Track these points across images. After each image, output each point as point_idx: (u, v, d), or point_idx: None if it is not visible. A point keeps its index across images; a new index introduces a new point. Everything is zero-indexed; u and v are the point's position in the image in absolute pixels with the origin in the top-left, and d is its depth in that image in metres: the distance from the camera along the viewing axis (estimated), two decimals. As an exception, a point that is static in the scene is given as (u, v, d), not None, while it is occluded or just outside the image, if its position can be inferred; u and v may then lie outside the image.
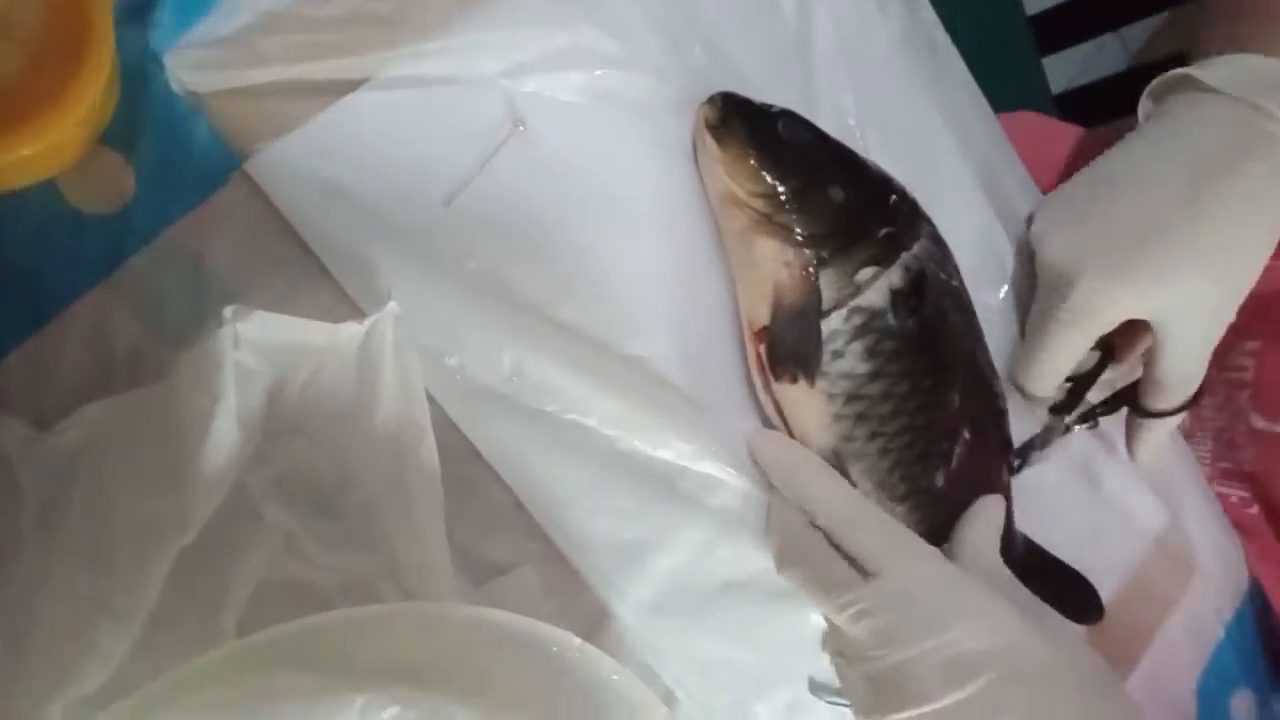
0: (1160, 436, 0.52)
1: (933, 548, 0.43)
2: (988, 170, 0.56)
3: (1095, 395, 0.53)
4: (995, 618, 0.40)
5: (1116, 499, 0.59)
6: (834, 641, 0.44)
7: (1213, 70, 0.47)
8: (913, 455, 0.44)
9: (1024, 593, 0.44)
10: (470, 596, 0.41)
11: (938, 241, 0.45)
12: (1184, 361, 0.47)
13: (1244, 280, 0.46)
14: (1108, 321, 0.46)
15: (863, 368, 0.42)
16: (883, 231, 0.43)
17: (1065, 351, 0.47)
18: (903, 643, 0.39)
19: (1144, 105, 0.51)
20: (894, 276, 0.42)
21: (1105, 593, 0.57)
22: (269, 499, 0.38)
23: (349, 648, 0.35)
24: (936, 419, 0.44)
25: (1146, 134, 0.48)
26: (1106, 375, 0.52)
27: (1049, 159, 0.69)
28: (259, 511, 0.38)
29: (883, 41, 0.51)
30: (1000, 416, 0.48)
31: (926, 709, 0.39)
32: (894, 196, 0.44)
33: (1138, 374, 0.52)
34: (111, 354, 0.38)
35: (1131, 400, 0.51)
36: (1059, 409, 0.51)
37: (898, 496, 0.45)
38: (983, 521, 0.46)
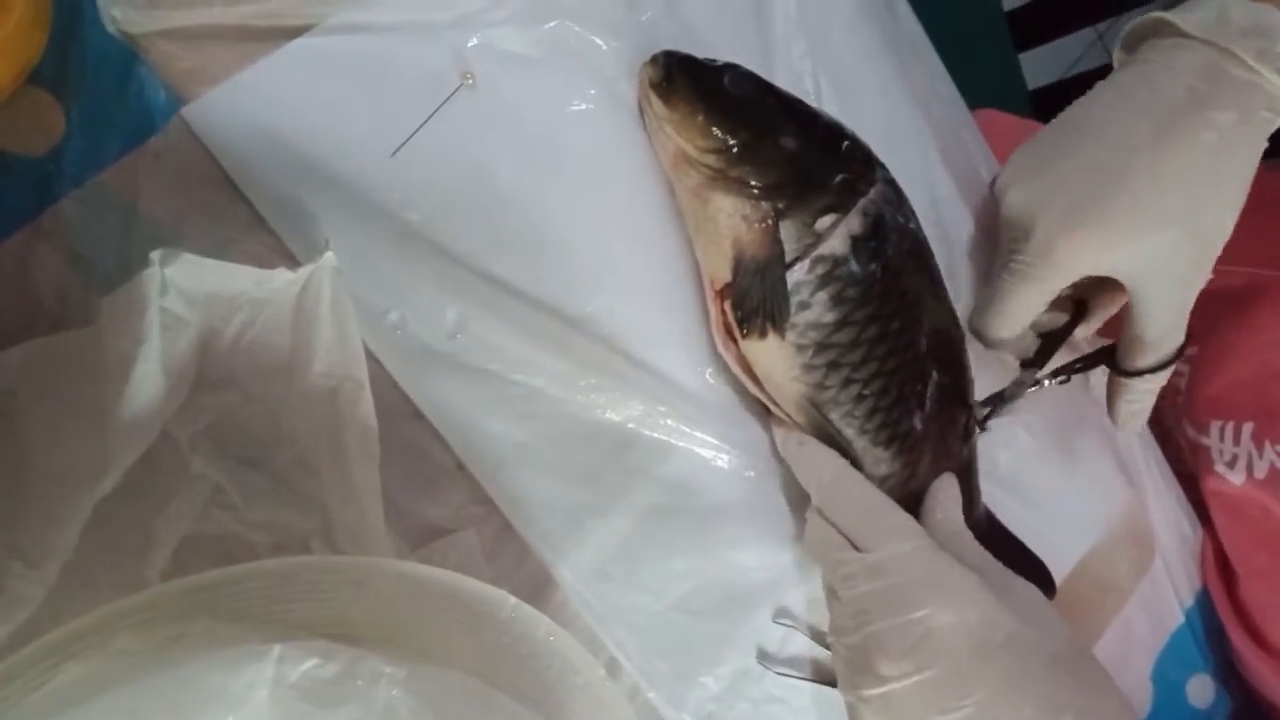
0: (1141, 397, 0.49)
1: (914, 523, 0.42)
2: (947, 134, 0.55)
3: (1070, 353, 0.51)
4: (967, 593, 0.39)
5: (1084, 477, 0.59)
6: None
7: (1187, 15, 0.44)
8: (889, 400, 0.43)
9: (995, 564, 0.43)
10: (407, 558, 0.40)
11: (892, 185, 0.44)
12: (1158, 319, 0.45)
13: (1214, 234, 0.44)
14: (1065, 274, 0.44)
15: (830, 316, 0.42)
16: (838, 178, 0.42)
17: (1021, 303, 0.45)
18: (874, 617, 0.39)
19: (1118, 55, 0.49)
20: (853, 223, 0.42)
21: (1066, 570, 0.57)
22: (197, 451, 0.37)
23: (275, 600, 0.34)
24: (906, 361, 0.44)
25: (1114, 82, 0.46)
26: (1081, 332, 0.51)
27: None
28: (187, 463, 0.37)
29: (842, 4, 0.50)
30: (964, 356, 0.47)
31: (895, 686, 0.38)
32: (846, 142, 0.43)
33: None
34: (37, 299, 0.37)
35: (1110, 359, 0.50)
36: (1029, 363, 0.49)
37: (881, 442, 0.44)
38: (943, 496, 0.46)
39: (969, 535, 0.44)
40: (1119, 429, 0.52)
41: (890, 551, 0.40)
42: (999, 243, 0.48)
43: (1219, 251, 0.44)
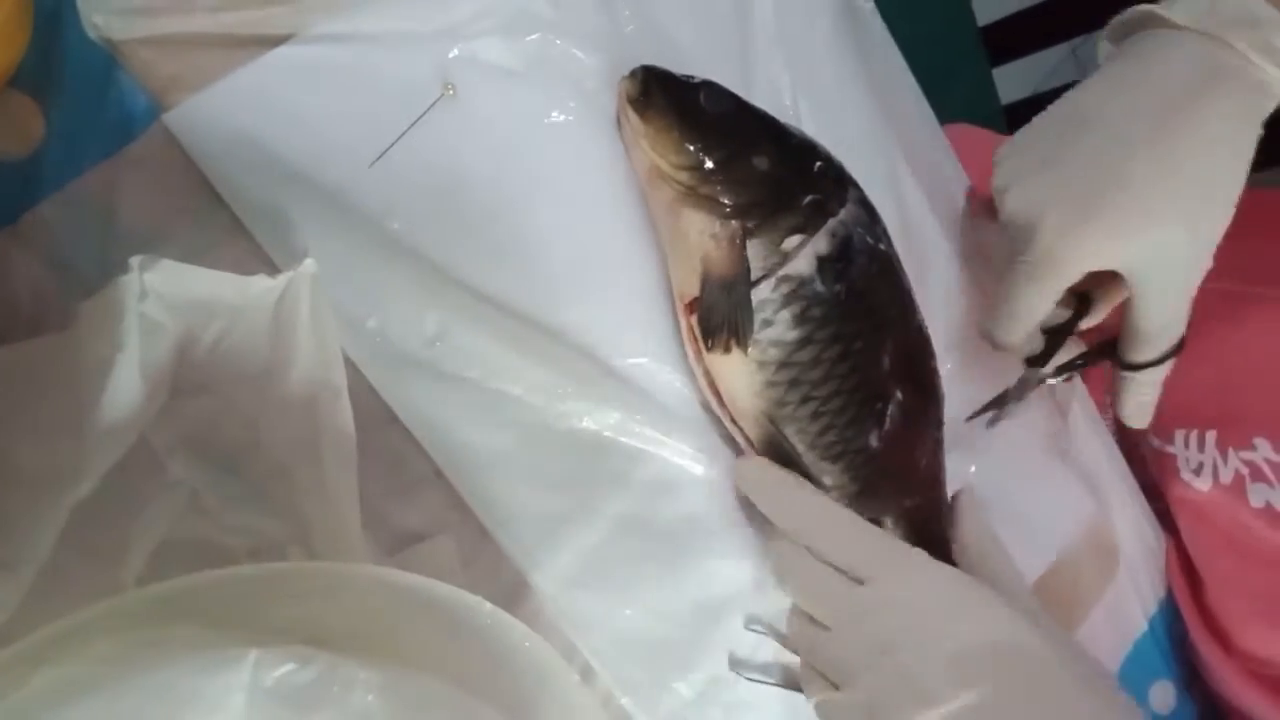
0: (1146, 390, 0.49)
1: (918, 549, 0.42)
2: (919, 151, 0.56)
3: (1076, 348, 0.51)
4: (996, 615, 0.39)
5: (1046, 488, 0.60)
6: (812, 680, 0.42)
7: (1175, 6, 0.44)
8: (845, 418, 0.44)
9: (1020, 584, 0.43)
10: (383, 563, 0.41)
11: (865, 205, 0.45)
12: (1160, 311, 0.45)
13: (1215, 224, 0.44)
14: (1071, 273, 0.44)
15: (792, 335, 0.42)
16: (808, 199, 0.43)
17: (1030, 303, 0.45)
18: (900, 649, 0.38)
19: (1103, 48, 0.49)
20: (820, 243, 0.42)
21: (1031, 579, 0.58)
22: (174, 456, 0.38)
23: (252, 605, 0.34)
24: (867, 381, 0.44)
25: (1107, 75, 0.46)
26: (1086, 325, 0.51)
27: (986, 172, 0.70)
28: (163, 468, 0.37)
29: (820, 22, 0.51)
30: (933, 376, 0.48)
31: (934, 713, 0.37)
32: (819, 163, 0.44)
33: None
34: (14, 303, 0.37)
35: (1112, 353, 0.49)
36: (1035, 360, 0.49)
37: (830, 457, 0.45)
38: (971, 518, 0.46)
39: (1003, 551, 0.44)
40: (1127, 423, 0.51)
41: (905, 580, 0.39)
42: (1005, 243, 0.48)
43: (1218, 241, 0.44)
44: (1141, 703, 0.63)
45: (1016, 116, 1.15)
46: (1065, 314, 0.50)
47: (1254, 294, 0.60)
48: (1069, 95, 0.47)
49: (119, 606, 0.32)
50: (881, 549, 0.41)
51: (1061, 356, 0.51)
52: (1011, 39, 1.13)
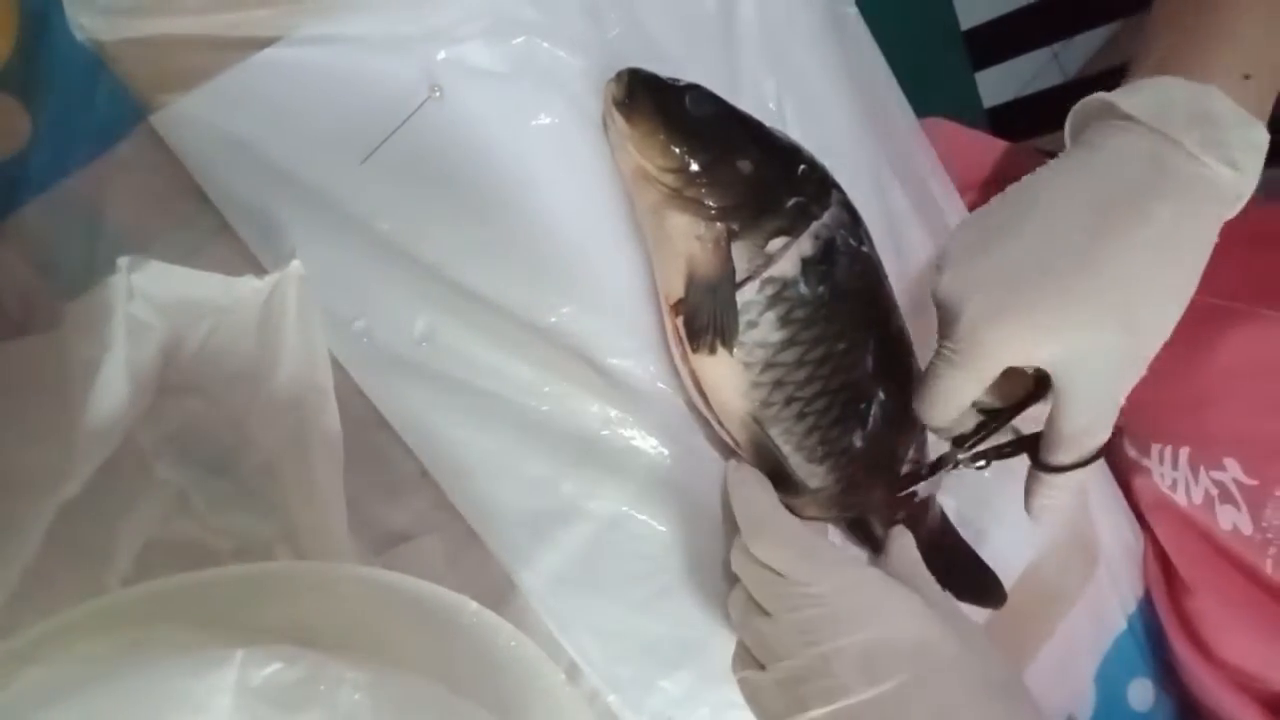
0: (1057, 494, 0.46)
1: (849, 556, 0.44)
2: (902, 153, 0.57)
3: (1003, 435, 0.48)
4: (913, 618, 0.41)
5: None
6: (742, 658, 0.44)
7: (1132, 98, 0.42)
8: (829, 419, 0.45)
9: (943, 595, 0.45)
10: (369, 564, 0.41)
11: (848, 208, 0.45)
12: (1079, 415, 0.42)
13: (1150, 332, 0.41)
14: (993, 363, 0.42)
15: (776, 336, 0.43)
16: (792, 201, 0.43)
17: (951, 388, 0.43)
18: (821, 638, 0.40)
19: (1068, 133, 0.46)
20: (804, 246, 0.43)
21: (1011, 577, 0.58)
22: (161, 457, 0.38)
23: (238, 605, 0.34)
24: (851, 382, 0.45)
25: (1059, 166, 0.44)
26: (1037, 412, 0.47)
27: (963, 165, 0.70)
28: (150, 469, 0.37)
29: (804, 28, 0.52)
30: (913, 376, 0.48)
31: (843, 704, 0.39)
32: (803, 166, 0.44)
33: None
34: (1, 304, 0.37)
35: (1033, 449, 0.46)
36: (960, 440, 0.47)
37: (816, 458, 0.45)
38: (903, 537, 0.48)
39: (923, 567, 0.46)
40: (1031, 519, 0.48)
41: (835, 580, 0.41)
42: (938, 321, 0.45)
43: (1156, 349, 0.42)
44: (1121, 700, 0.64)
45: (999, 120, 1.16)
46: (1012, 399, 0.47)
47: (1233, 309, 0.60)
48: (1022, 181, 0.44)
49: (105, 606, 0.32)
50: (819, 555, 0.43)
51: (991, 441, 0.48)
52: (995, 43, 1.14)
